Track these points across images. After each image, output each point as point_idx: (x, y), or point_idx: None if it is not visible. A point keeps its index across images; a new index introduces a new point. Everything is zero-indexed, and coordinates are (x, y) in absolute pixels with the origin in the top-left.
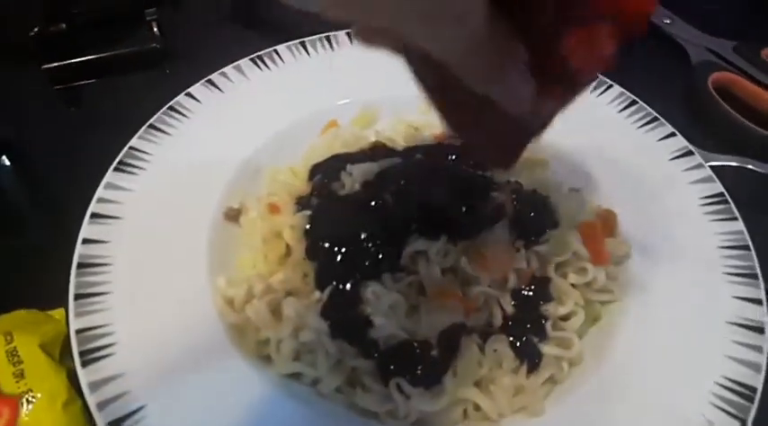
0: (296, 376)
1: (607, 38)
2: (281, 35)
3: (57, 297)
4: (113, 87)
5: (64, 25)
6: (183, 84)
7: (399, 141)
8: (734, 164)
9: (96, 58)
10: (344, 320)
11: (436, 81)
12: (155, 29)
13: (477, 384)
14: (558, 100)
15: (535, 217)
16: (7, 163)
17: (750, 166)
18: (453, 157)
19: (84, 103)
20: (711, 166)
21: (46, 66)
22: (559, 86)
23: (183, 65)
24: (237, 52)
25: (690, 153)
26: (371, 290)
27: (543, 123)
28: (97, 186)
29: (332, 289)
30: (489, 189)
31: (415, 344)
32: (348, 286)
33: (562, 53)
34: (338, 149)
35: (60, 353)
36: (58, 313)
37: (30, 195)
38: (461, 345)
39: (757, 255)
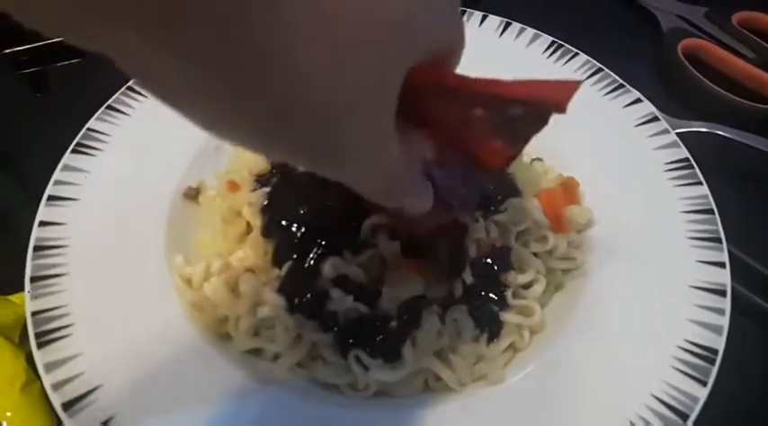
0: (257, 352)
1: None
2: None
3: (17, 282)
4: (79, 70)
5: None
6: None
7: None
8: (703, 129)
9: (61, 41)
10: (302, 294)
11: None
12: None
13: (438, 354)
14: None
15: (494, 187)
16: None
17: (719, 132)
18: None
19: (49, 88)
20: (680, 132)
21: (8, 51)
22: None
23: None
24: None
25: (655, 119)
26: (330, 264)
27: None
28: None
29: (290, 265)
30: None
31: (375, 317)
32: (306, 261)
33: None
34: None
35: (20, 337)
36: (17, 297)
37: None
38: (422, 316)
39: (723, 219)
